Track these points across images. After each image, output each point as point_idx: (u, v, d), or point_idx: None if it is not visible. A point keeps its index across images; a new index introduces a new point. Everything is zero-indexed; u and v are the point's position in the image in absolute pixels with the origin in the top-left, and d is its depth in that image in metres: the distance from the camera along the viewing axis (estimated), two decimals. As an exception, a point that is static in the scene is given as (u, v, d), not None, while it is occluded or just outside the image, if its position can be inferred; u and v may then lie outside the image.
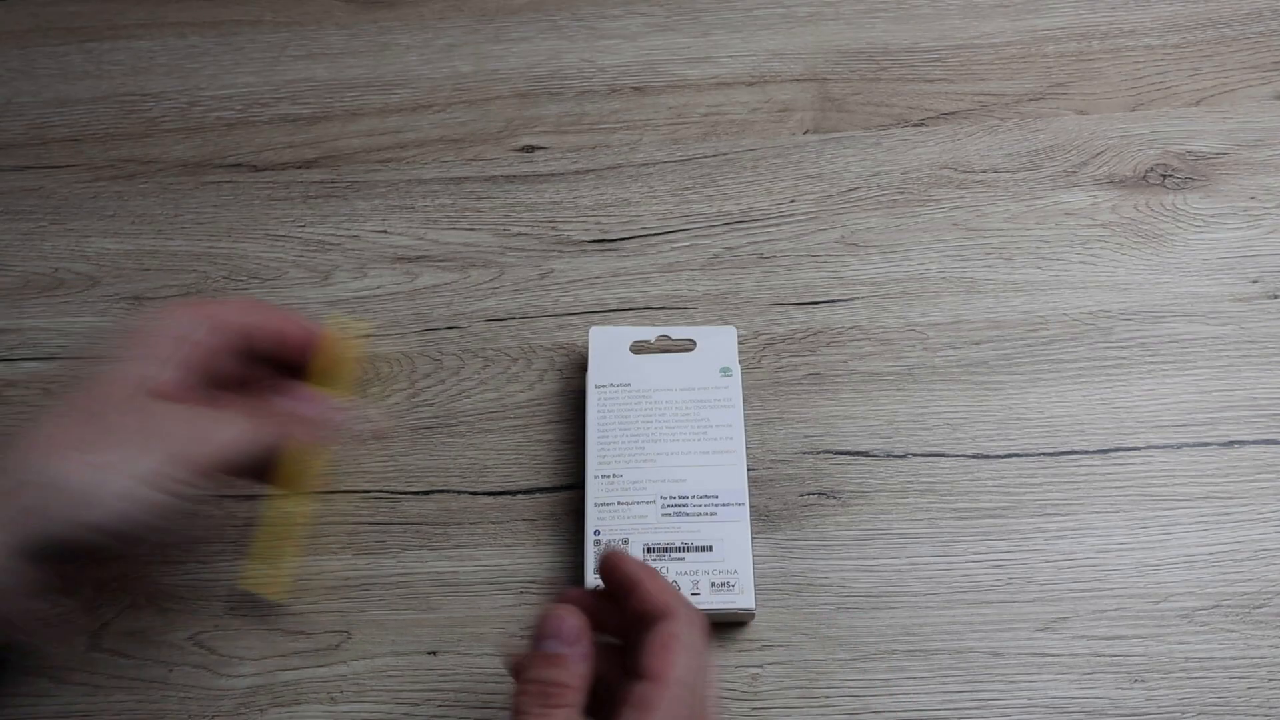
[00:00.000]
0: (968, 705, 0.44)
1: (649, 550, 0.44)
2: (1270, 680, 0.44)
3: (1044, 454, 0.49)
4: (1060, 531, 0.47)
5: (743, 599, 0.44)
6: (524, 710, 0.32)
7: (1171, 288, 0.53)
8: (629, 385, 0.48)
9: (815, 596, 0.46)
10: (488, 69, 0.63)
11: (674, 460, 0.46)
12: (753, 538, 0.46)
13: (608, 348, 0.49)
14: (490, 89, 0.62)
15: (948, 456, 0.49)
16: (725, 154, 0.59)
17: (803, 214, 0.57)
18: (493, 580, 0.47)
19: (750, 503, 0.48)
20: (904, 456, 0.50)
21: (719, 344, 0.50)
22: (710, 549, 0.44)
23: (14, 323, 0.56)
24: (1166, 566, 0.46)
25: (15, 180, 0.60)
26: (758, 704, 0.44)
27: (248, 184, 0.60)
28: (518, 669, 0.34)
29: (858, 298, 0.54)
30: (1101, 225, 0.55)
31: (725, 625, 0.45)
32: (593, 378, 0.49)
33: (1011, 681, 0.44)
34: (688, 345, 0.50)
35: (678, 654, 0.33)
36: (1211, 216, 0.56)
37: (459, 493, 0.49)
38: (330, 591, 0.47)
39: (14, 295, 0.56)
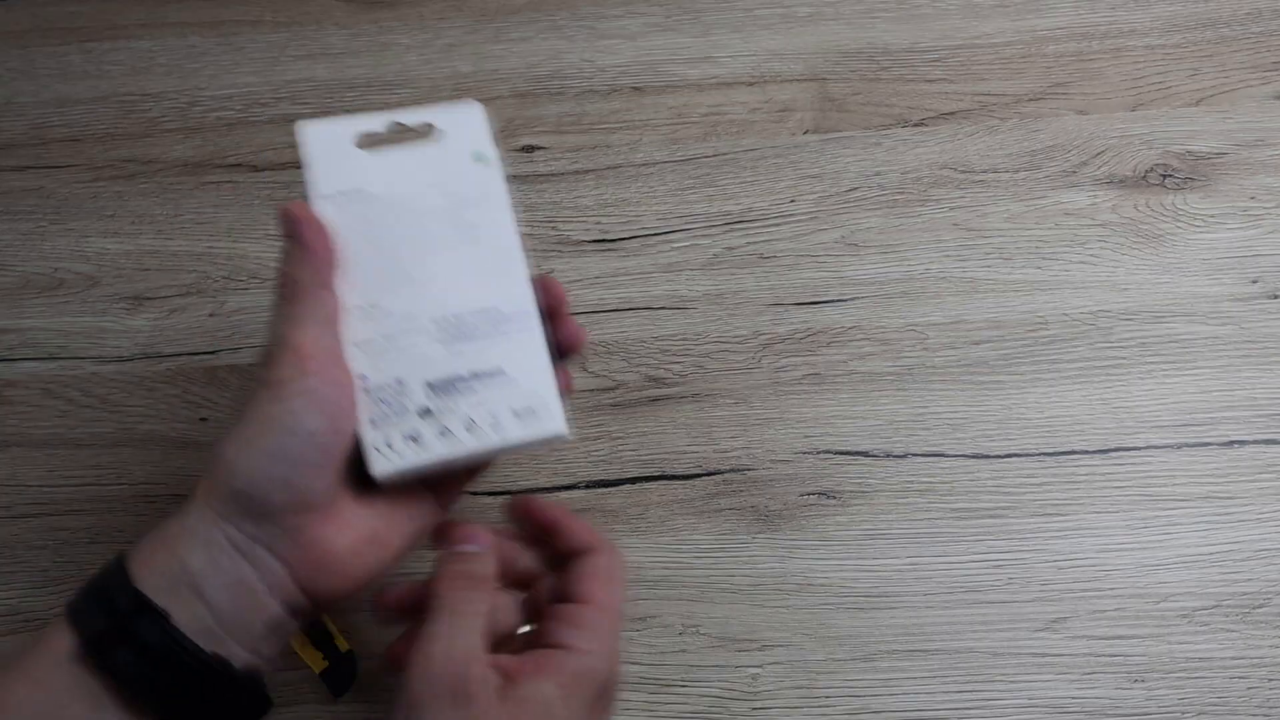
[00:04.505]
0: (968, 705, 0.44)
1: (431, 387, 0.36)
2: (1270, 680, 0.44)
3: (1044, 454, 0.49)
4: (1060, 531, 0.47)
5: (551, 424, 0.37)
6: (439, 593, 0.34)
7: (1171, 288, 0.53)
8: (364, 191, 0.38)
9: (815, 596, 0.46)
10: (488, 69, 0.63)
11: (440, 275, 0.37)
12: (751, 538, 0.46)
13: (330, 148, 0.38)
14: (490, 89, 0.62)
15: (948, 456, 0.49)
16: (725, 154, 0.59)
17: (803, 214, 0.57)
18: (493, 580, 0.47)
19: (750, 503, 0.48)
20: (904, 456, 0.50)
21: (464, 126, 0.39)
22: (502, 372, 0.37)
23: (14, 323, 0.56)
24: (1166, 566, 0.46)
25: (15, 180, 0.60)
26: (758, 704, 0.44)
27: (248, 184, 0.60)
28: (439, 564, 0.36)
29: (858, 298, 0.54)
30: (1101, 225, 0.55)
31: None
32: (317, 186, 0.38)
33: (1011, 681, 0.44)
34: (426, 134, 0.39)
35: (612, 584, 0.36)
36: (1211, 216, 0.56)
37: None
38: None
39: (14, 295, 0.56)
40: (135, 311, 0.56)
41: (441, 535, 0.37)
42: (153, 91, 0.64)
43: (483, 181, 0.39)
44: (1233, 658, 0.44)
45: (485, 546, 0.36)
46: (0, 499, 0.51)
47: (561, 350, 0.38)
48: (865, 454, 0.50)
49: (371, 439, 0.35)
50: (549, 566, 0.38)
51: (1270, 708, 0.43)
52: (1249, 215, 0.55)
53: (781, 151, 0.59)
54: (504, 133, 0.61)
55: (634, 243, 0.56)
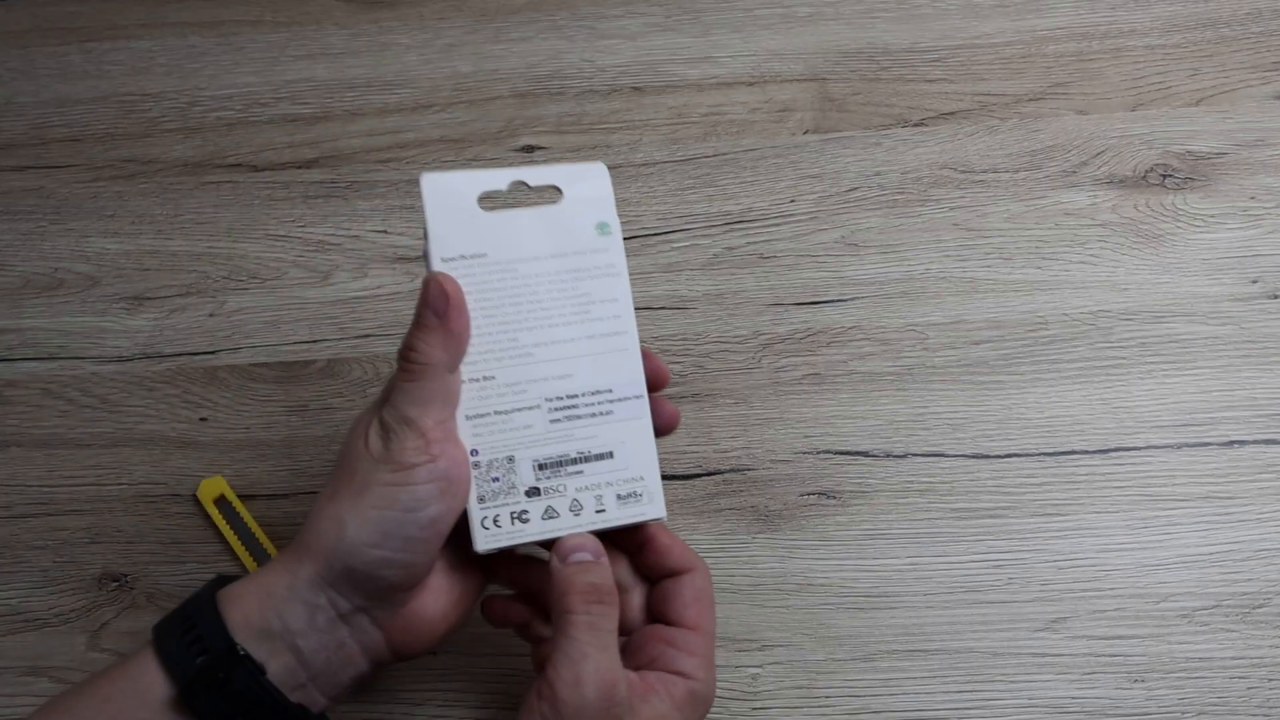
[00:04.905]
0: (968, 705, 0.44)
1: (541, 467, 0.37)
2: (1270, 680, 0.44)
3: (1044, 454, 0.49)
4: (1060, 531, 0.47)
5: (652, 508, 0.37)
6: (574, 609, 0.34)
7: (1171, 288, 0.53)
8: (485, 256, 0.37)
9: (815, 596, 0.46)
10: (488, 69, 0.63)
11: (555, 351, 0.37)
12: (751, 538, 0.46)
13: (452, 206, 0.37)
14: (490, 89, 0.62)
15: (948, 456, 0.49)
16: (725, 154, 0.59)
17: (803, 214, 0.57)
18: (493, 580, 0.47)
19: (750, 503, 0.48)
20: (904, 456, 0.50)
21: (590, 190, 0.39)
22: (611, 455, 0.37)
23: (14, 323, 0.56)
24: (1166, 566, 0.46)
25: (15, 180, 0.60)
26: (758, 704, 0.44)
27: (248, 184, 0.60)
28: (559, 580, 0.35)
29: (858, 298, 0.54)
30: (1101, 225, 0.55)
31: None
32: (437, 249, 0.36)
33: (1011, 681, 0.44)
34: (551, 196, 0.39)
35: (708, 608, 0.37)
36: (1211, 216, 0.56)
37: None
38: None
39: (14, 295, 0.56)
40: (135, 311, 0.56)
41: (552, 545, 0.37)
42: (153, 91, 0.64)
43: (604, 253, 0.38)
44: (1233, 658, 0.44)
45: (599, 556, 0.36)
46: (0, 499, 0.51)
47: (656, 429, 0.38)
48: (865, 454, 0.50)
49: (479, 515, 0.36)
50: (639, 577, 0.39)
51: (1270, 708, 0.43)
52: (1249, 215, 0.55)
53: (781, 151, 0.59)
54: (504, 133, 0.61)
55: (634, 243, 0.56)
